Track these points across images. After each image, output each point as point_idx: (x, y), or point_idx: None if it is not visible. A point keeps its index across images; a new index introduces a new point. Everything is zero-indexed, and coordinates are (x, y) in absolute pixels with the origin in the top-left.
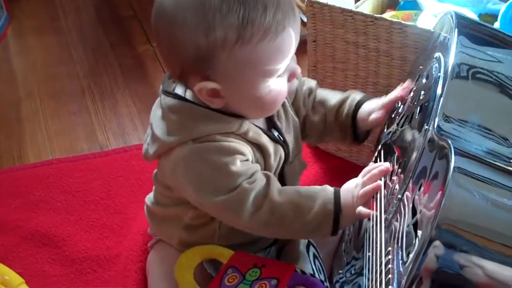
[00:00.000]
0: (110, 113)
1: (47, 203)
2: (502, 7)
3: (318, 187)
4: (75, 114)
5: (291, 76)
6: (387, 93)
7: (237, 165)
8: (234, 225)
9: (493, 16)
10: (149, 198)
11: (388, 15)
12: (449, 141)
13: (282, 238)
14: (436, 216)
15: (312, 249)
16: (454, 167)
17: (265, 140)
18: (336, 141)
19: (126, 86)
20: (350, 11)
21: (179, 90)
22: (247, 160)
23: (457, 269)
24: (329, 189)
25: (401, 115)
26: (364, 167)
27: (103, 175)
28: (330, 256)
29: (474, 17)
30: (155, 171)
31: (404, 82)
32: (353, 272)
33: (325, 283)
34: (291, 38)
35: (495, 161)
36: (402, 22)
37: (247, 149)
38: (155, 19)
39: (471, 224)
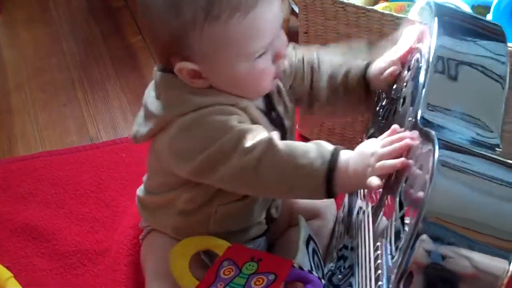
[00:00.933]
0: (101, 105)
1: (37, 196)
2: None
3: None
4: (65, 106)
5: (276, 57)
6: None
7: (235, 121)
8: (223, 175)
9: (486, 8)
10: (141, 189)
11: (381, 6)
12: (433, 133)
13: (269, 188)
14: (422, 209)
15: (312, 244)
16: (438, 159)
17: (264, 121)
18: (349, 113)
19: (117, 77)
20: (342, 2)
21: None
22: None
23: (445, 262)
24: (330, 145)
25: (385, 108)
26: None
27: (94, 168)
28: (324, 249)
29: (467, 8)
30: (148, 158)
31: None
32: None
33: (322, 280)
34: (266, 15)
35: (479, 150)
36: (394, 14)
37: (246, 118)
38: (137, 5)
39: (457, 216)
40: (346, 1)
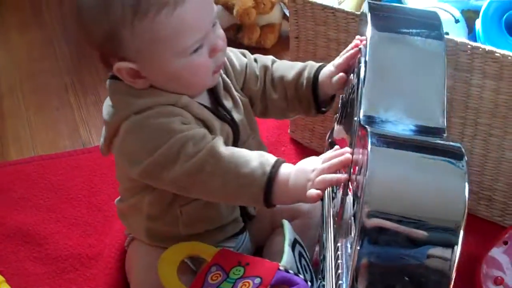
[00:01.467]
0: (93, 109)
1: (29, 200)
2: (484, 4)
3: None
4: (57, 110)
5: (212, 51)
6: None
7: (178, 123)
8: (170, 179)
9: (476, 12)
10: (117, 198)
11: None
12: (369, 129)
13: (213, 193)
14: (362, 204)
15: (298, 247)
16: (371, 153)
17: (209, 116)
18: (300, 115)
19: None
20: (332, 8)
21: None
22: (189, 124)
23: (393, 253)
24: (272, 157)
25: (340, 112)
26: None
27: (86, 172)
28: (310, 252)
29: (457, 13)
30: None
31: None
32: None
33: (309, 282)
34: (196, 10)
35: (423, 138)
36: None
37: (189, 115)
38: (72, 11)
39: (397, 206)
40: (336, 7)
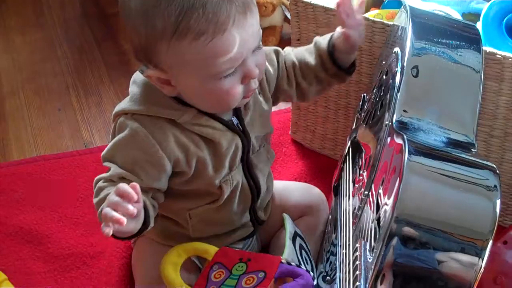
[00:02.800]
0: (95, 110)
1: (31, 200)
2: (485, 7)
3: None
4: (59, 111)
5: (245, 78)
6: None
7: (137, 161)
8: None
9: (476, 15)
10: None
11: (373, 13)
12: (405, 136)
13: None
14: (394, 210)
15: (298, 240)
16: (409, 161)
17: (216, 129)
18: (337, 84)
19: (111, 83)
20: (333, 10)
21: None
22: (149, 161)
23: (418, 261)
24: None
25: (366, 112)
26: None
27: (88, 172)
28: (318, 245)
29: (458, 16)
30: None
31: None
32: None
33: (311, 273)
34: (235, 40)
35: (454, 151)
36: (384, 21)
37: (178, 139)
38: (119, 8)
39: (428, 216)
40: None
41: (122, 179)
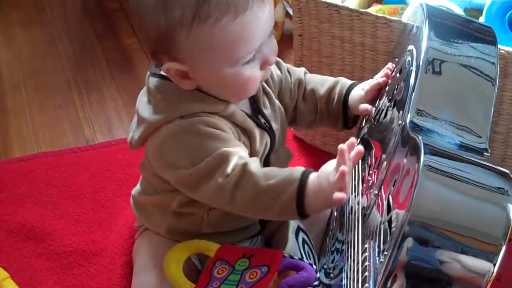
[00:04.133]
0: (96, 106)
1: (33, 197)
2: (487, 2)
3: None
4: (61, 108)
5: (264, 64)
6: None
7: (222, 137)
8: (204, 193)
9: (479, 11)
10: (135, 189)
11: (375, 9)
12: (420, 137)
13: (243, 208)
14: (407, 212)
15: (301, 235)
16: (424, 164)
17: (250, 124)
18: (327, 127)
19: (113, 79)
20: (336, 5)
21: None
22: (230, 138)
23: (430, 264)
24: (301, 168)
25: (378, 109)
26: None
27: (90, 169)
28: (320, 239)
29: (460, 11)
30: (141, 161)
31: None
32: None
33: (314, 266)
34: (256, 21)
35: (467, 154)
36: (387, 16)
37: (230, 130)
38: (130, 2)
39: (442, 219)
40: (340, 4)
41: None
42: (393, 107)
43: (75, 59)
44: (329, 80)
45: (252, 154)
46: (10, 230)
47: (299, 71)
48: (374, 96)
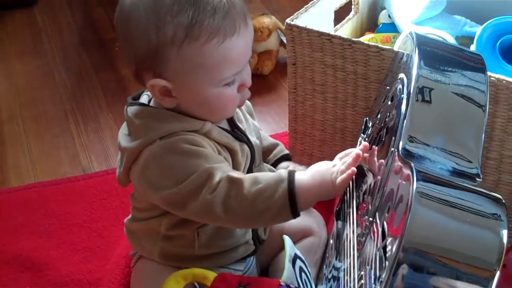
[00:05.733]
0: (93, 136)
1: (29, 227)
2: (478, 30)
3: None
4: (58, 138)
5: (241, 87)
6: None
7: (204, 154)
8: (194, 210)
9: (470, 39)
10: (127, 217)
11: (367, 37)
12: (412, 164)
13: (240, 218)
14: (401, 239)
15: (298, 263)
16: (417, 191)
17: (229, 139)
18: None
19: (109, 109)
20: (328, 34)
21: (143, 101)
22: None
23: None
24: (283, 171)
25: (370, 137)
26: None
27: (86, 198)
28: (317, 266)
29: (451, 39)
30: (132, 192)
31: None
32: None
33: None
34: (240, 47)
35: (460, 180)
36: (379, 45)
37: (209, 147)
38: (116, 16)
39: (436, 245)
40: (332, 33)
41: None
42: (386, 135)
43: (72, 89)
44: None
45: (235, 167)
46: (7, 261)
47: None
48: None
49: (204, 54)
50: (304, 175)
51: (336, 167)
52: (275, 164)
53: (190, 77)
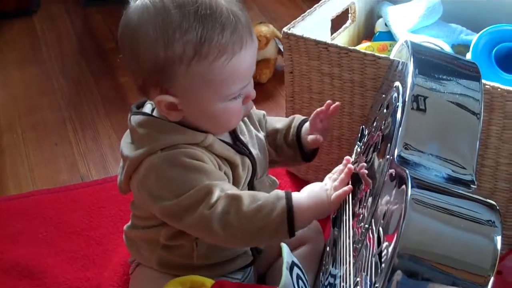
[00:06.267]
0: (92, 144)
1: (28, 235)
2: (474, 38)
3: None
4: (56, 145)
5: (246, 99)
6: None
7: (205, 168)
8: (191, 221)
9: (466, 47)
10: (127, 224)
11: (364, 45)
12: (407, 171)
13: (237, 234)
14: (396, 245)
15: (296, 270)
16: (411, 197)
17: (231, 152)
18: (288, 163)
19: (108, 117)
20: (325, 43)
21: (146, 110)
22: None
23: None
24: (280, 190)
25: (366, 144)
26: None
27: (84, 206)
28: (313, 274)
29: (447, 47)
30: (132, 200)
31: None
32: None
33: None
34: (247, 61)
35: (454, 187)
36: (375, 53)
37: (210, 161)
38: (121, 31)
39: (431, 251)
40: (329, 42)
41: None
42: (381, 142)
43: (71, 97)
44: (286, 118)
45: (235, 180)
46: (5, 269)
47: (259, 111)
48: (317, 127)
49: (213, 72)
50: (301, 194)
51: (328, 185)
52: (298, 132)
53: (198, 94)
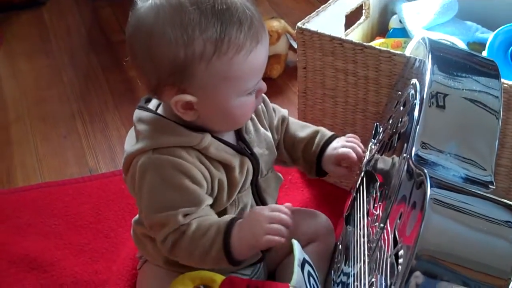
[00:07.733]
0: (100, 136)
1: (36, 227)
2: (490, 36)
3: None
4: (65, 138)
5: (258, 92)
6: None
7: (186, 185)
8: (156, 236)
9: (481, 45)
10: (135, 219)
11: (378, 42)
12: (425, 171)
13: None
14: (415, 246)
15: (307, 267)
16: (430, 197)
17: (228, 153)
18: (300, 169)
19: (116, 109)
20: (339, 39)
21: (151, 106)
22: (196, 186)
23: None
24: (229, 216)
25: (381, 142)
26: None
27: (93, 199)
28: (325, 271)
29: (463, 45)
30: None
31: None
32: None
33: None
34: (263, 56)
35: (473, 187)
36: (391, 50)
37: (198, 173)
38: (132, 32)
39: (450, 253)
40: (344, 38)
41: (187, 215)
42: (398, 140)
43: (80, 89)
44: (310, 127)
45: (231, 184)
46: (12, 260)
47: (284, 111)
48: (338, 161)
49: (232, 68)
50: (241, 223)
51: (272, 225)
52: (322, 150)
53: (217, 90)
